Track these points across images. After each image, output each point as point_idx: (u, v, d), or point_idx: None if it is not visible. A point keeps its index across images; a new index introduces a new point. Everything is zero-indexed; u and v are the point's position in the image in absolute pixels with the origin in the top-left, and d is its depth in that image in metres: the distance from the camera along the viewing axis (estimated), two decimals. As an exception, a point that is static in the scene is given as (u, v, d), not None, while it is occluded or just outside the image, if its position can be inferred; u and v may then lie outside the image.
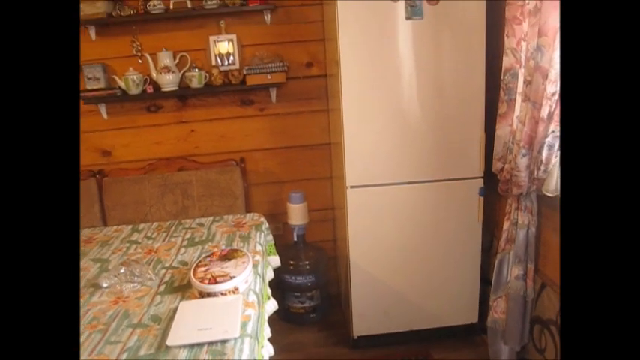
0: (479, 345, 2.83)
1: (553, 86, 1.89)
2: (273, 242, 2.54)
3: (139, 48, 2.97)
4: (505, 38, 2.19)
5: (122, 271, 1.96)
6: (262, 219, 2.56)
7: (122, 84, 2.90)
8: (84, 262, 2.17)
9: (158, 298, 1.83)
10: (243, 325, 1.58)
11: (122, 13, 2.82)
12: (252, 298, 1.76)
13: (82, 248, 2.32)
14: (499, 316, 2.44)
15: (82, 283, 1.98)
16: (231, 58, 3.02)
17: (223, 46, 2.99)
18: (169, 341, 1.51)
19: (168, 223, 2.60)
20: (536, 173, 2.08)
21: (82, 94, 2.89)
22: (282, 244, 3.07)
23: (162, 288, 1.90)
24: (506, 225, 2.35)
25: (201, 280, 1.75)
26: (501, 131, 2.32)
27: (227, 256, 1.91)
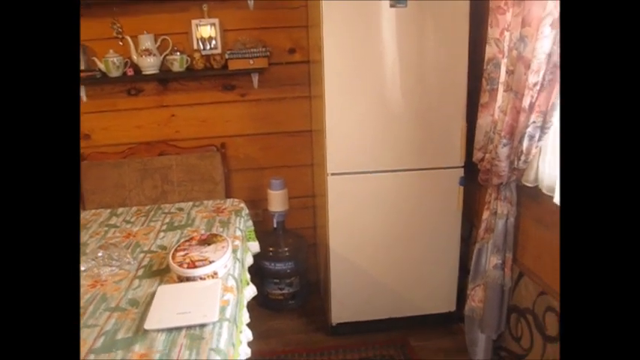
0: (456, 333, 2.86)
1: (535, 76, 1.90)
2: (252, 228, 2.53)
3: (120, 30, 2.91)
4: (488, 28, 2.20)
5: (100, 254, 1.94)
6: (242, 204, 2.55)
7: (102, 66, 2.85)
8: (61, 246, 2.14)
9: (136, 282, 1.81)
10: (222, 309, 1.58)
11: (103, -6, 2.77)
12: (231, 283, 1.75)
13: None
14: (477, 304, 2.46)
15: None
16: (214, 42, 2.98)
17: (205, 30, 2.96)
18: (147, 325, 1.50)
19: (147, 207, 2.57)
20: (516, 163, 2.10)
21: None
22: (262, 231, 3.06)
23: (140, 272, 1.89)
24: (485, 214, 2.36)
25: (180, 265, 1.74)
26: (483, 121, 2.33)
27: (206, 241, 1.90)
